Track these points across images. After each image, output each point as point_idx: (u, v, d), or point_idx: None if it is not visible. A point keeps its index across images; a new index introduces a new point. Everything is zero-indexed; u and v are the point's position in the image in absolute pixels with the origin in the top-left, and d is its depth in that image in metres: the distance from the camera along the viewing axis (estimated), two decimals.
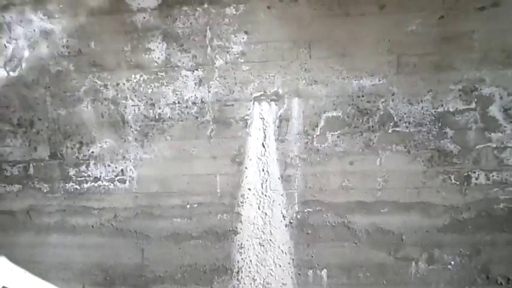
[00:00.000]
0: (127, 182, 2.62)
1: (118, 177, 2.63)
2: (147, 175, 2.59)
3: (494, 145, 2.34)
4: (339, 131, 2.38)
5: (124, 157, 2.63)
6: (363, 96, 2.34)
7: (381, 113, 2.35)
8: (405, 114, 2.34)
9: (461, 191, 2.36)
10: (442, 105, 2.33)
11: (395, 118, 2.35)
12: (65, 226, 2.73)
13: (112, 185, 2.64)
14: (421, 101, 2.32)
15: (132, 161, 2.62)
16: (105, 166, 2.67)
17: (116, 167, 2.64)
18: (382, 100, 2.34)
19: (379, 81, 2.32)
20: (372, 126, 2.37)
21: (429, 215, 2.37)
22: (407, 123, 2.35)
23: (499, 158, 2.35)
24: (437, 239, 2.36)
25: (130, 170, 2.62)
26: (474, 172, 2.36)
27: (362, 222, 2.39)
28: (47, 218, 2.75)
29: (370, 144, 2.37)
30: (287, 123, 2.41)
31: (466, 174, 2.36)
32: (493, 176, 2.35)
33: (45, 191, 2.76)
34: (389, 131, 2.36)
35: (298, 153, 2.41)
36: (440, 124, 2.34)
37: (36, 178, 2.78)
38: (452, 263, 2.36)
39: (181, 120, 2.53)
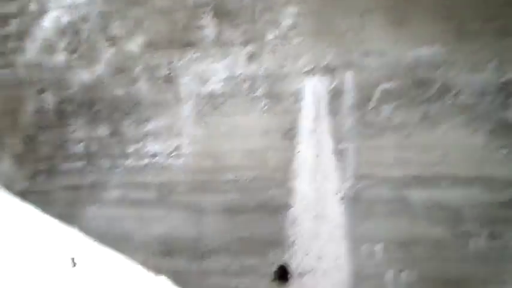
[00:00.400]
0: (182, 157, 2.71)
1: (174, 153, 2.73)
2: (201, 151, 2.66)
3: None
4: (394, 103, 2.31)
5: (179, 134, 2.71)
6: (420, 66, 2.25)
7: (440, 83, 2.25)
8: (466, 84, 2.23)
9: None
10: (507, 74, 2.19)
11: (455, 88, 2.24)
12: (126, 200, 2.87)
13: (168, 161, 2.74)
14: (484, 70, 2.20)
15: (186, 137, 2.70)
16: (161, 143, 2.76)
17: (171, 144, 2.74)
18: (441, 70, 2.23)
19: (437, 49, 2.22)
20: (430, 98, 2.28)
21: (490, 190, 2.26)
22: (467, 94, 2.24)
23: None
24: (499, 214, 2.26)
25: (185, 146, 2.70)
26: None
27: (419, 196, 2.32)
28: (109, 193, 2.91)
29: (428, 116, 2.29)
30: (340, 96, 2.37)
31: None
32: None
33: (106, 167, 2.91)
34: (449, 102, 2.26)
35: (352, 126, 2.37)
36: (504, 94, 2.21)
37: (98, 155, 2.94)
38: None
39: (233, 96, 2.56)
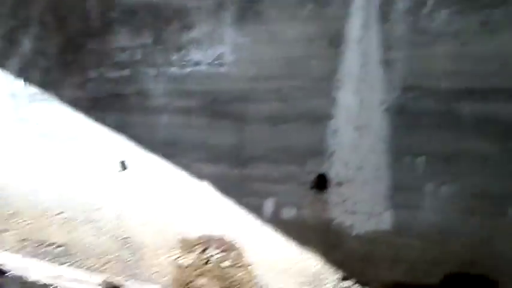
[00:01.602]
0: (225, 66, 2.69)
1: (216, 62, 2.71)
2: (244, 59, 2.62)
3: None
4: (451, 8, 2.13)
5: (221, 41, 2.67)
6: None
7: None
8: None
9: None
10: None
11: None
12: (170, 108, 2.95)
13: (211, 69, 2.73)
14: None
15: (229, 45, 2.65)
16: (203, 51, 2.75)
17: (214, 52, 2.71)
18: None
19: None
20: (492, 2, 2.07)
21: None
22: None
23: None
24: None
25: (228, 54, 2.67)
26: None
27: (470, 110, 2.22)
28: (154, 101, 2.99)
29: (488, 23, 2.10)
30: (391, 0, 2.21)
31: None
32: None
33: (151, 75, 2.96)
34: None
35: (403, 34, 2.23)
36: None
37: (142, 63, 2.98)
38: None
39: (277, 1, 2.45)
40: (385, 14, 2.24)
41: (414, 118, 2.31)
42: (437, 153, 2.31)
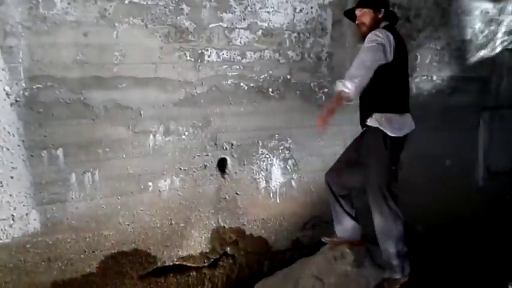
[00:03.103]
0: None
1: None
2: None
3: (225, 25, 2.53)
4: None
5: None
6: None
7: None
8: None
9: (195, 67, 2.52)
10: None
11: None
12: None
13: None
14: None
15: None
16: None
17: None
18: None
19: None
20: None
21: (165, 90, 2.47)
22: None
23: (228, 38, 2.57)
24: (173, 112, 2.51)
25: None
26: (207, 50, 2.53)
27: (99, 98, 2.31)
28: None
29: (106, 14, 2.22)
30: None
31: (200, 51, 2.51)
32: (223, 54, 2.58)
33: None
34: (126, 2, 2.25)
35: (20, 20, 2.07)
36: (177, 0, 2.36)
37: None
38: (186, 133, 2.58)
39: None
40: None
41: (45, 110, 2.21)
42: (75, 143, 2.30)
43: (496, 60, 3.77)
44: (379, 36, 2.07)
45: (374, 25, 2.22)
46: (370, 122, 2.24)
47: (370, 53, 2.06)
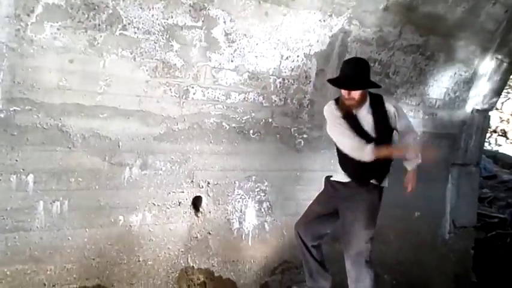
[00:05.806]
0: None
1: None
2: None
3: (213, 65, 2.56)
4: (59, 23, 2.10)
5: None
6: None
7: (110, 11, 2.19)
8: (135, 18, 2.26)
9: (179, 103, 2.52)
10: (172, 17, 2.35)
11: (124, 20, 2.23)
12: None
13: None
14: (152, 8, 2.28)
15: None
16: None
17: None
18: None
19: None
20: (99, 25, 2.19)
21: (147, 124, 2.44)
22: (136, 29, 2.28)
23: (214, 77, 2.59)
24: (152, 146, 2.48)
25: None
26: (192, 87, 2.54)
27: (78, 125, 2.26)
28: None
29: (95, 43, 2.21)
30: None
31: (185, 88, 2.51)
32: (208, 92, 2.59)
33: None
34: (117, 34, 2.25)
35: (6, 40, 2.02)
36: (168, 36, 2.38)
37: None
38: (163, 168, 2.54)
39: None
40: None
41: (20, 133, 2.13)
42: (46, 171, 2.22)
43: (466, 119, 3.97)
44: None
45: (363, 98, 2.28)
46: (376, 180, 2.37)
47: None
